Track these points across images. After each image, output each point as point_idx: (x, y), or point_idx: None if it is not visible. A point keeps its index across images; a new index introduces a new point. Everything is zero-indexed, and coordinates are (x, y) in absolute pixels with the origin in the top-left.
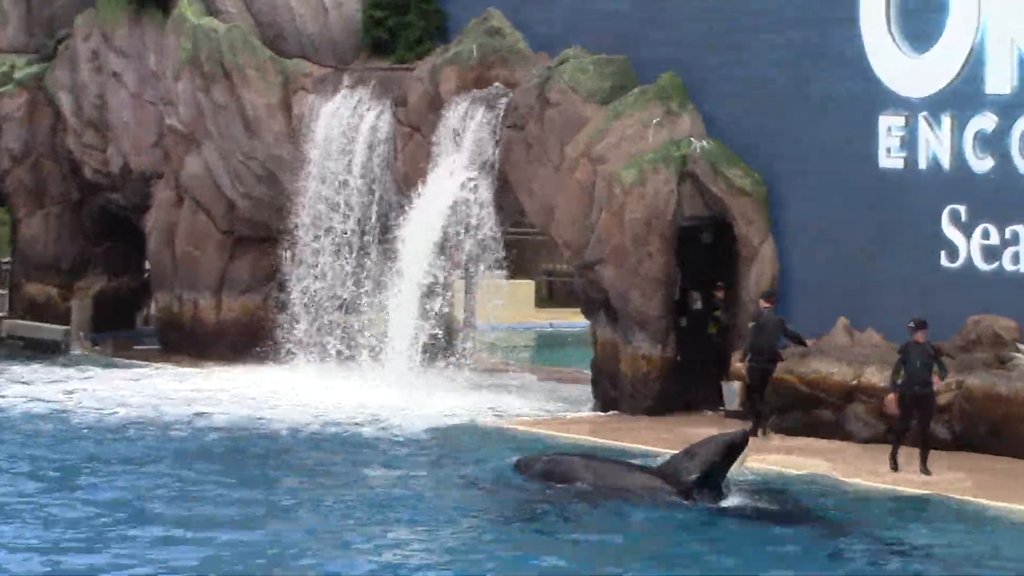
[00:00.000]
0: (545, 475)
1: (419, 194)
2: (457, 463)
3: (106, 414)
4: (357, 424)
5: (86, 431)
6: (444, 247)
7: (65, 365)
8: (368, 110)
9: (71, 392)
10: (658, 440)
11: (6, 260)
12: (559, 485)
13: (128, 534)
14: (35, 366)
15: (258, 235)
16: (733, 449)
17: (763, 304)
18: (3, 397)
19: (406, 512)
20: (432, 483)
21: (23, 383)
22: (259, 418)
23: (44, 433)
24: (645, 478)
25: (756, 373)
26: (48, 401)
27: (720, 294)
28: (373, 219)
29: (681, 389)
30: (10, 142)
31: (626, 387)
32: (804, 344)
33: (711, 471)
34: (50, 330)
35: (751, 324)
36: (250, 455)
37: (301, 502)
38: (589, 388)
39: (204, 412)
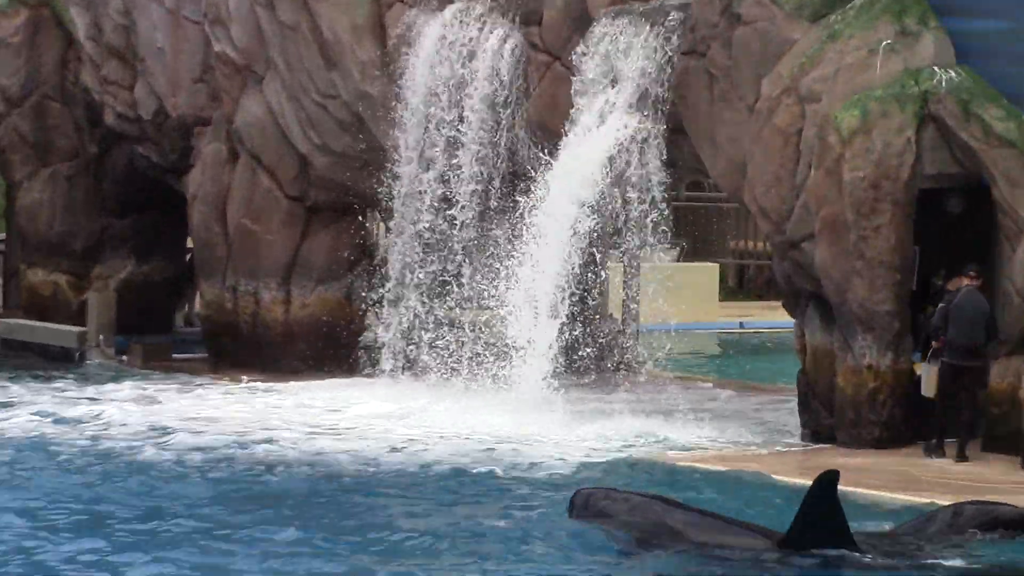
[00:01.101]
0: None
1: (561, 146)
2: None
3: (153, 452)
4: (477, 462)
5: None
6: (596, 219)
7: (79, 381)
8: (490, 31)
9: (93, 419)
10: (908, 484)
11: (0, 238)
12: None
13: None
14: (35, 385)
15: (341, 204)
16: (1003, 525)
17: (964, 282)
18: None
19: None
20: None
21: (23, 405)
22: (365, 457)
23: (75, 476)
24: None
25: (946, 373)
26: (60, 434)
27: (945, 283)
28: (497, 182)
29: (921, 413)
30: (4, 78)
31: (845, 410)
32: (994, 341)
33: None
34: (59, 333)
35: (940, 306)
36: (358, 505)
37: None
38: (794, 411)
39: (280, 446)
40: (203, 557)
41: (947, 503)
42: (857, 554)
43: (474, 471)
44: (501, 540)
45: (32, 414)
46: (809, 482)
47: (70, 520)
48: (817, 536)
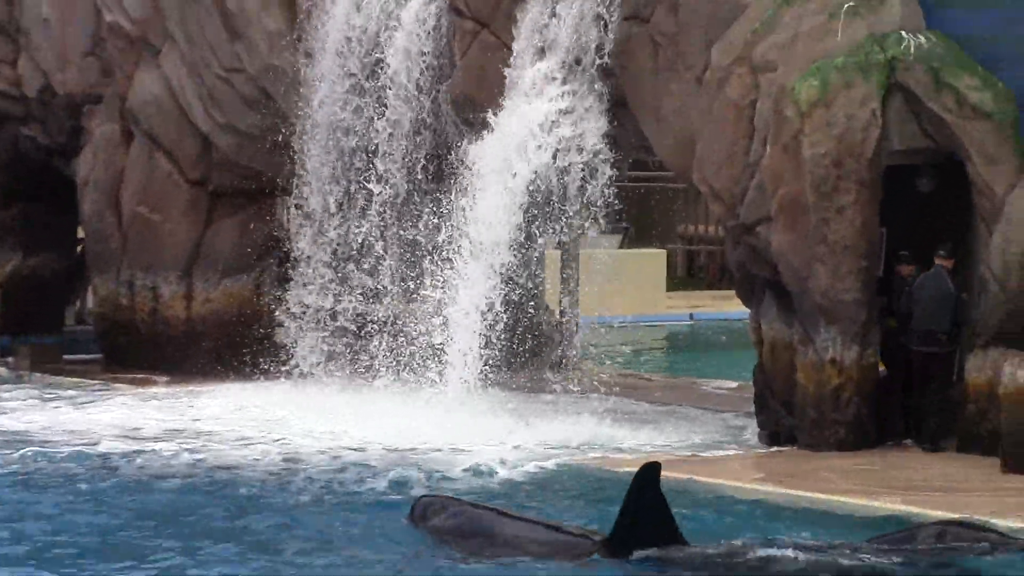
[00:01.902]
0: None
1: (490, 124)
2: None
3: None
4: (400, 468)
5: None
6: (529, 203)
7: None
8: None
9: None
10: (881, 490)
11: None
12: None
13: None
14: None
15: (247, 189)
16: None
17: (937, 262)
18: None
19: None
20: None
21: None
22: (285, 465)
23: None
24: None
25: (900, 360)
26: None
27: (910, 268)
28: (419, 164)
29: (887, 412)
30: None
31: (806, 409)
32: (958, 331)
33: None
34: None
35: (906, 289)
36: (273, 513)
37: None
38: (751, 411)
39: (202, 458)
40: None
41: (924, 513)
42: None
43: (370, 484)
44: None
45: None
46: (769, 488)
47: None
48: (642, 534)
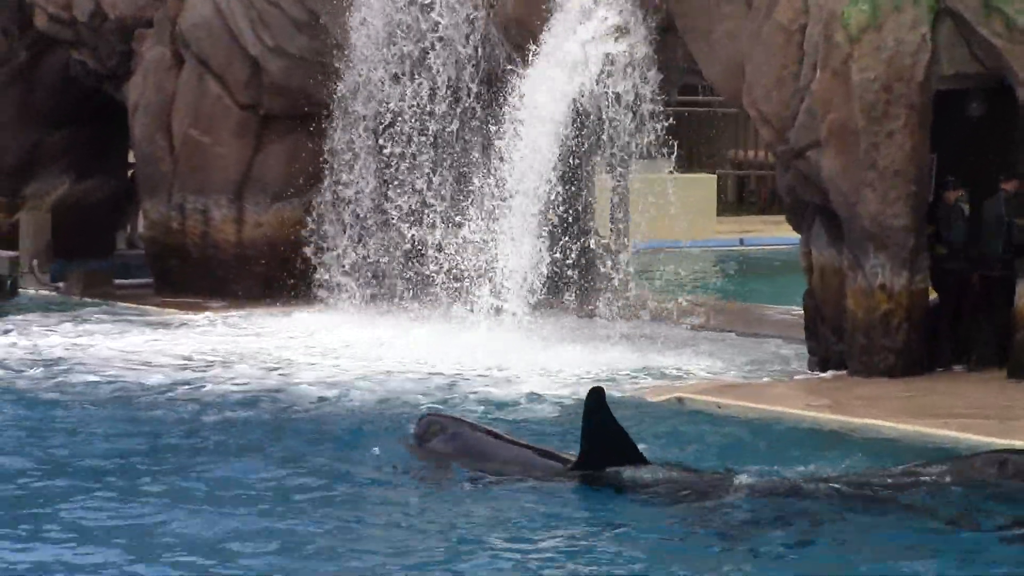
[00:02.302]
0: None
1: (538, 47)
2: None
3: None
4: (450, 396)
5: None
6: (578, 127)
7: (9, 313)
8: None
9: (30, 355)
10: (930, 416)
11: None
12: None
13: None
14: None
15: (297, 112)
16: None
17: (1002, 186)
18: None
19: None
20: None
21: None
22: (334, 391)
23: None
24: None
25: (950, 286)
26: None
27: (956, 193)
28: (466, 89)
29: (937, 338)
30: None
31: (856, 335)
32: (1011, 256)
33: None
34: None
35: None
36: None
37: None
38: (801, 337)
39: (244, 383)
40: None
41: (975, 440)
42: (648, 469)
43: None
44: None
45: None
46: (819, 415)
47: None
48: (605, 454)
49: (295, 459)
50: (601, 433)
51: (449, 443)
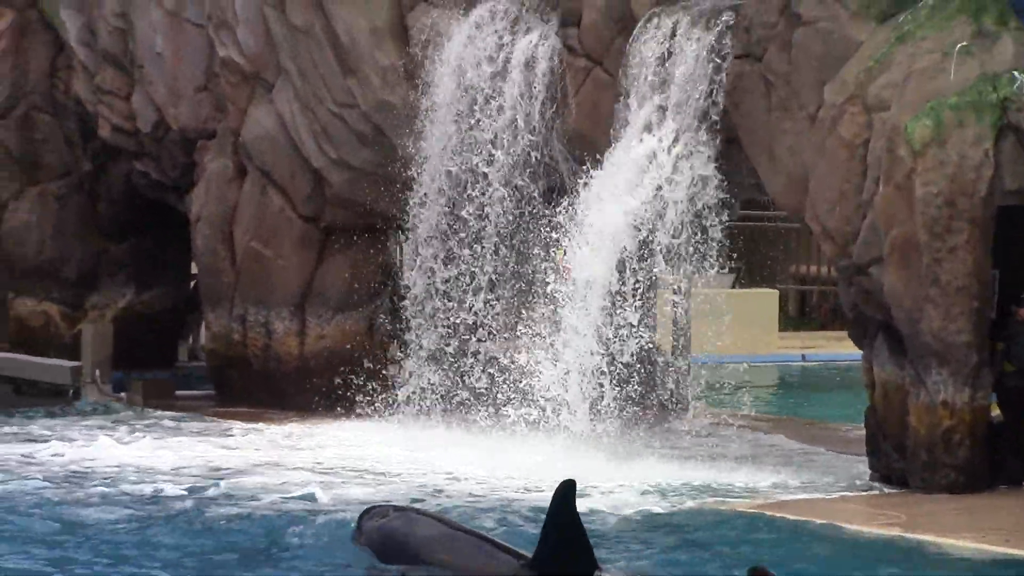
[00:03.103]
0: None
1: (602, 160)
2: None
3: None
4: (515, 512)
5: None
6: (640, 241)
7: (69, 422)
8: (524, 33)
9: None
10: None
11: None
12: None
13: None
14: (23, 423)
15: (360, 224)
16: None
17: None
18: None
19: None
20: None
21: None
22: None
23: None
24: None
25: (1016, 402)
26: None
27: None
28: (533, 199)
29: (1000, 455)
30: None
31: (918, 451)
32: None
33: None
34: (51, 368)
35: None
36: None
37: None
38: (863, 454)
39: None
40: None
41: None
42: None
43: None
44: None
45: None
46: (882, 531)
47: None
48: (562, 556)
49: None
50: (564, 530)
51: (393, 533)
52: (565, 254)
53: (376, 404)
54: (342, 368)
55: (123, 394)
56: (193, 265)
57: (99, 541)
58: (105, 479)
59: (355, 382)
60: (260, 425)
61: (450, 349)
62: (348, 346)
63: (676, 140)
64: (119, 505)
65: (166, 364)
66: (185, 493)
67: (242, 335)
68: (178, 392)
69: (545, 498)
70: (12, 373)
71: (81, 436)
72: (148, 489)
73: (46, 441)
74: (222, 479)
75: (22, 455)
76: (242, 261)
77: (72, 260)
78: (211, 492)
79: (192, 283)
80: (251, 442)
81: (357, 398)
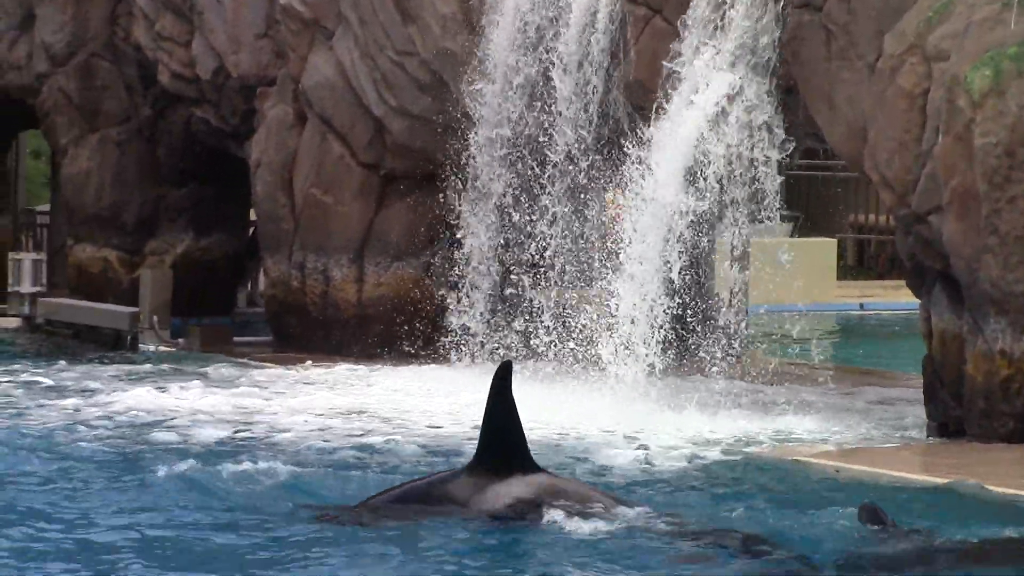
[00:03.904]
0: None
1: (662, 109)
2: (739, 510)
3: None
4: (571, 456)
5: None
6: (700, 190)
7: (131, 369)
8: None
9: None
10: None
11: (42, 210)
12: None
13: None
14: (88, 368)
15: (419, 172)
16: None
17: None
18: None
19: None
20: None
21: (82, 395)
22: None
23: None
24: None
25: None
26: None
27: None
28: (591, 149)
29: None
30: (47, 34)
31: (975, 400)
32: None
33: None
34: (109, 314)
35: None
36: None
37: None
38: (920, 402)
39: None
40: None
41: None
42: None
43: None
44: None
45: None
46: (938, 479)
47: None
48: (496, 449)
49: None
50: (496, 421)
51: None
52: (615, 200)
53: (433, 351)
54: (399, 316)
55: (181, 340)
56: (252, 212)
57: (165, 489)
58: (166, 425)
59: (414, 329)
60: (320, 370)
61: (507, 296)
62: (406, 293)
63: (737, 90)
64: (176, 453)
65: (224, 311)
66: (253, 437)
67: (300, 282)
68: (236, 338)
69: (594, 443)
70: (71, 319)
71: (137, 383)
72: (209, 434)
73: (104, 386)
74: (289, 429)
75: (78, 400)
76: (301, 208)
77: (131, 206)
78: (277, 438)
79: (251, 230)
80: (307, 389)
81: (415, 345)
